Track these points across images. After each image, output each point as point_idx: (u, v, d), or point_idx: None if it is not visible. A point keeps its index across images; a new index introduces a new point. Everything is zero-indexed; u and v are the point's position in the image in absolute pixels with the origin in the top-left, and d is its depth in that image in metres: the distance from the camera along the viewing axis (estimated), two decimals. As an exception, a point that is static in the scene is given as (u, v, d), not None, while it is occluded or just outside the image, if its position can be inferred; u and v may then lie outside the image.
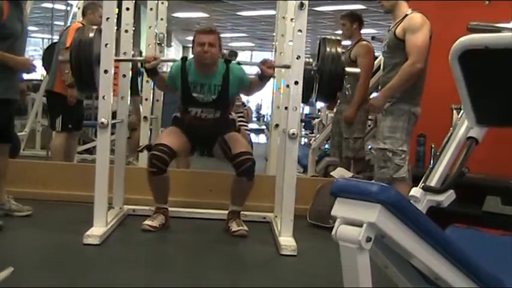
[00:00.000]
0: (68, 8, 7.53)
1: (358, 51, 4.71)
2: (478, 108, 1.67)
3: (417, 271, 1.56)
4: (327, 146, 6.32)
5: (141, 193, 3.89)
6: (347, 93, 4.71)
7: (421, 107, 3.58)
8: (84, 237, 3.12)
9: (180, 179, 4.16)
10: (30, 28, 3.62)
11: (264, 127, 14.38)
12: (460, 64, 1.54)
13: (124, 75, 3.85)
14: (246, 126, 6.76)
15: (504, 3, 3.40)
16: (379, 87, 3.92)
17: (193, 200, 4.19)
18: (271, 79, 4.87)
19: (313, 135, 8.39)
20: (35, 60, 5.33)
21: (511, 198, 3.66)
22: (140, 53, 6.46)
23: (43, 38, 10.68)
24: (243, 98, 6.81)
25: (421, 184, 1.94)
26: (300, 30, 3.29)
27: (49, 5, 8.22)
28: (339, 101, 4.97)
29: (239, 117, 6.49)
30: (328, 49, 3.49)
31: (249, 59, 18.26)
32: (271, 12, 10.59)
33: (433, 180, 1.94)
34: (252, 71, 3.95)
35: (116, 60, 3.50)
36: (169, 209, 3.71)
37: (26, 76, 3.99)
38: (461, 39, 1.52)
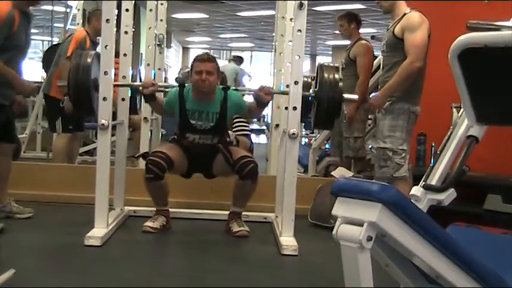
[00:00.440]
0: (68, 10, 7.53)
1: (357, 50, 4.71)
2: (477, 106, 1.67)
3: (418, 270, 1.56)
4: (327, 146, 6.32)
5: (142, 194, 3.88)
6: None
7: (421, 105, 3.58)
8: (85, 238, 3.12)
9: (180, 180, 4.15)
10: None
11: (264, 127, 14.38)
12: (459, 62, 1.54)
13: (124, 77, 3.86)
14: (247, 126, 6.75)
15: (503, 2, 3.40)
16: (379, 87, 3.92)
17: (194, 201, 4.19)
18: (271, 79, 4.88)
19: (313, 135, 8.38)
20: (35, 62, 5.33)
21: (512, 197, 3.66)
22: (139, 76, 6.47)
23: (43, 40, 10.67)
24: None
25: (421, 183, 1.95)
26: (299, 30, 3.29)
27: (49, 7, 8.22)
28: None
29: (240, 117, 6.49)
30: (326, 75, 3.48)
31: (249, 59, 18.29)
32: (271, 12, 10.59)
33: (434, 179, 1.94)
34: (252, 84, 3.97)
35: (115, 86, 3.52)
36: (170, 209, 3.71)
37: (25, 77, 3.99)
38: (461, 37, 1.52)
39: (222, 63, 16.73)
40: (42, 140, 6.93)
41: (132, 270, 2.87)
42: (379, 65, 4.58)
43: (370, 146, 5.57)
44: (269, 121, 4.41)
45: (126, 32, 3.81)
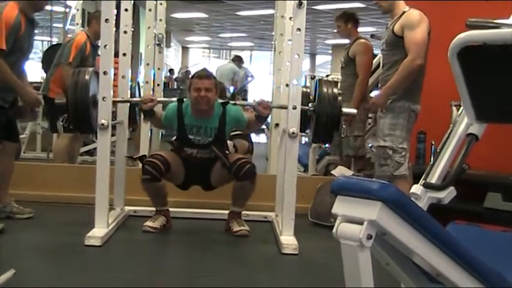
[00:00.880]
0: (67, 10, 7.52)
1: (357, 49, 4.71)
2: (477, 104, 1.67)
3: (418, 268, 1.56)
4: (327, 145, 6.32)
5: (142, 194, 3.88)
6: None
7: (421, 104, 3.58)
8: (85, 238, 3.12)
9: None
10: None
11: (264, 127, 14.38)
12: (459, 60, 1.54)
13: (123, 77, 3.86)
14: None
15: (503, 1, 3.40)
16: (379, 85, 3.92)
17: (194, 200, 4.19)
18: (271, 78, 4.88)
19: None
20: (34, 62, 5.33)
21: (512, 195, 3.66)
22: (138, 89, 6.46)
23: (42, 41, 10.66)
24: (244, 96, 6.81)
25: (421, 181, 1.94)
26: (298, 29, 3.29)
27: (48, 7, 8.21)
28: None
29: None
30: (325, 90, 3.49)
31: (249, 59, 18.29)
32: (270, 11, 10.59)
33: (434, 177, 1.94)
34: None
35: (114, 102, 3.52)
36: (170, 209, 3.71)
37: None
38: (460, 35, 1.51)
39: (221, 62, 16.75)
40: (42, 140, 6.93)
41: (132, 270, 2.87)
42: (379, 64, 4.58)
43: (370, 145, 5.57)
44: (269, 120, 4.41)
45: (125, 32, 3.81)
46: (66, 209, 4.09)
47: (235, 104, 3.83)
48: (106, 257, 3.05)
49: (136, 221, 3.72)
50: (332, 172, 4.34)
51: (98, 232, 3.20)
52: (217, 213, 3.93)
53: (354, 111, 3.88)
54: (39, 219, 3.71)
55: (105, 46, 3.31)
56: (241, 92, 10.68)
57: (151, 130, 4.96)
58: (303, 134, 4.35)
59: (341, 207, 1.44)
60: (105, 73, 3.31)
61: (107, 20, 3.32)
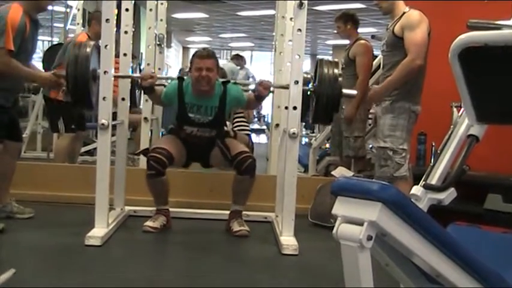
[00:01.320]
0: (68, 10, 7.52)
1: (357, 50, 4.71)
2: (478, 105, 1.67)
3: (418, 269, 1.56)
4: (328, 145, 6.32)
5: (142, 194, 3.89)
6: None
7: (422, 105, 3.58)
8: (85, 238, 3.12)
9: (181, 180, 4.16)
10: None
11: (264, 127, 14.37)
12: (460, 61, 1.54)
13: (124, 76, 3.86)
14: (247, 126, 6.75)
15: (503, 2, 3.40)
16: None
17: (195, 201, 4.19)
18: (272, 77, 4.87)
19: (313, 134, 8.38)
20: (35, 62, 5.33)
21: (512, 196, 3.66)
22: (139, 67, 6.46)
23: (43, 40, 10.66)
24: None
25: (422, 182, 1.94)
26: (299, 30, 3.29)
27: (49, 7, 8.21)
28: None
29: (240, 117, 6.49)
30: (325, 71, 3.48)
31: (249, 59, 18.27)
32: (271, 12, 10.58)
33: (434, 179, 1.94)
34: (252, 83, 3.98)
35: (115, 77, 3.52)
36: (171, 209, 3.71)
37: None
38: (461, 36, 1.51)
39: (222, 62, 16.71)
40: (43, 140, 6.93)
41: (132, 270, 2.87)
42: (379, 65, 4.57)
43: (370, 146, 5.58)
44: (269, 121, 4.41)
45: (126, 32, 3.81)
46: (66, 208, 4.09)
47: (235, 84, 3.82)
48: (106, 257, 3.05)
49: (137, 221, 3.72)
50: (332, 173, 4.34)
51: (98, 232, 3.20)
52: (218, 213, 3.93)
53: (354, 92, 3.89)
54: (40, 219, 3.71)
55: (105, 46, 3.31)
56: None
57: (151, 130, 4.96)
58: (303, 134, 4.35)
59: (341, 208, 1.44)
60: (105, 73, 3.30)
61: (107, 20, 3.32)
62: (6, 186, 3.67)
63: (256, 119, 17.31)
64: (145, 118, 4.84)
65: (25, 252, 3.07)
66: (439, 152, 1.99)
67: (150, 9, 4.93)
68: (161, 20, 5.09)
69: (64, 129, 4.77)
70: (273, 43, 4.87)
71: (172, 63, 18.59)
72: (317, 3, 11.32)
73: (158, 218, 3.61)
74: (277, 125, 4.38)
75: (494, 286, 1.54)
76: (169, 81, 4.08)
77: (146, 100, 4.84)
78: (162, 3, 5.04)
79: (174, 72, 15.86)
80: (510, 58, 1.52)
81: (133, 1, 3.93)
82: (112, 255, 3.12)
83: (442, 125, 2.55)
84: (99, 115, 3.32)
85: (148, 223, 3.56)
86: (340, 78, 3.51)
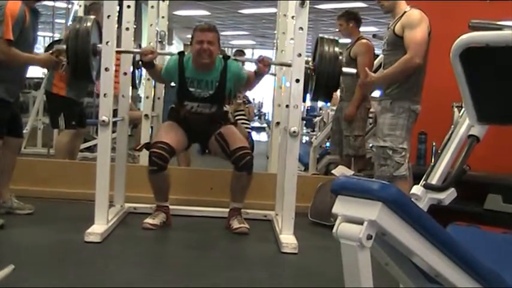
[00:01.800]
0: (69, 6, 7.52)
1: (358, 49, 4.71)
2: (479, 106, 1.67)
3: (418, 269, 1.56)
4: (328, 144, 6.32)
5: (142, 191, 3.89)
6: (343, 93, 4.76)
7: (423, 104, 3.57)
8: (85, 235, 3.12)
9: (181, 177, 4.16)
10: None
11: (265, 125, 14.37)
12: (461, 62, 1.54)
13: (125, 73, 3.86)
14: (248, 124, 6.76)
15: (505, 1, 3.39)
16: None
17: (194, 198, 4.19)
18: (272, 77, 4.88)
19: (314, 133, 8.38)
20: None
21: (512, 196, 3.66)
22: (139, 46, 6.45)
23: (44, 36, 10.66)
24: (247, 94, 6.81)
25: (422, 182, 1.94)
26: (301, 28, 3.28)
27: (50, 3, 8.20)
28: (339, 98, 4.97)
29: (241, 115, 6.49)
30: (325, 48, 3.48)
31: (251, 57, 18.25)
32: (273, 10, 10.58)
33: (434, 178, 1.94)
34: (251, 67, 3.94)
35: (117, 52, 3.50)
36: (170, 207, 3.71)
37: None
38: (463, 36, 1.51)
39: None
40: (43, 136, 6.94)
41: (131, 267, 2.87)
42: (380, 64, 4.57)
43: (370, 145, 5.58)
44: (270, 119, 4.42)
45: (127, 29, 3.80)
46: (66, 205, 4.10)
47: (236, 60, 3.82)
48: (105, 254, 3.05)
49: (136, 218, 3.72)
50: (332, 172, 4.34)
51: (98, 229, 3.20)
52: (218, 211, 3.93)
53: (354, 70, 3.89)
54: (39, 215, 3.71)
55: (107, 43, 3.31)
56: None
57: (151, 127, 4.96)
58: (303, 133, 4.35)
59: (341, 207, 1.44)
60: (106, 70, 3.30)
61: (109, 17, 3.32)
62: (6, 181, 3.67)
63: (256, 117, 17.30)
64: (146, 115, 4.84)
65: (24, 248, 3.07)
66: (439, 152, 1.99)
67: (152, 7, 4.92)
68: (163, 17, 5.08)
69: (64, 125, 4.77)
70: (275, 41, 4.87)
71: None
72: (319, 2, 11.31)
73: (158, 215, 3.61)
74: (278, 123, 4.37)
75: (493, 286, 1.54)
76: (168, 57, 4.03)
77: (148, 79, 4.82)
78: (163, 1, 5.04)
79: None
80: (511, 59, 1.52)
81: (134, -2, 3.93)
82: (111, 252, 3.11)
83: (442, 124, 2.55)
84: (100, 112, 3.32)
85: (148, 220, 3.56)
86: (340, 56, 3.52)
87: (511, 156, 3.93)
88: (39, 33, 3.74)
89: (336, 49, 3.49)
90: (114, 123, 3.62)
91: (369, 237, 1.36)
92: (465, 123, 1.94)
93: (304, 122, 9.12)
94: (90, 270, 2.76)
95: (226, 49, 22.57)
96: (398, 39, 3.49)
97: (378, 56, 4.88)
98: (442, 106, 3.82)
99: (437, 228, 1.47)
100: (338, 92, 5.37)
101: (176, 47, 20.17)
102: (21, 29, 3.36)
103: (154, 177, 3.55)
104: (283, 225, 3.34)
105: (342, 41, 3.80)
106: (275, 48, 4.81)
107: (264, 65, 3.56)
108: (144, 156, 4.63)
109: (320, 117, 8.64)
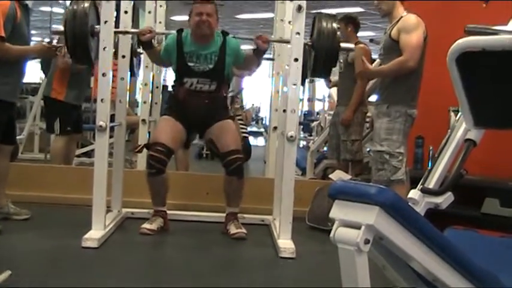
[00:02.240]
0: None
1: (355, 54, 4.71)
2: (476, 110, 1.67)
3: (415, 273, 1.56)
4: (325, 149, 6.33)
5: (140, 196, 3.89)
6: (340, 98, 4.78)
7: (419, 108, 3.58)
8: (82, 240, 3.11)
9: (178, 182, 4.15)
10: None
11: (262, 130, 14.38)
12: (457, 66, 1.54)
13: (122, 78, 3.86)
14: (245, 129, 6.77)
15: (502, 4, 3.40)
16: (378, 89, 3.93)
17: (192, 203, 4.19)
18: (270, 80, 4.87)
19: (311, 137, 8.39)
20: (33, 63, 5.31)
21: (509, 200, 3.66)
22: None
23: (42, 41, 10.68)
24: (243, 100, 6.81)
25: (419, 186, 1.94)
26: (298, 33, 3.29)
27: (47, 9, 8.22)
28: (336, 102, 4.98)
29: (238, 120, 6.48)
30: (323, 25, 3.48)
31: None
32: (270, 15, 10.59)
33: (432, 182, 1.94)
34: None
35: (115, 33, 3.49)
36: (168, 211, 3.71)
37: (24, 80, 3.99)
38: (459, 41, 1.52)
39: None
40: (40, 141, 6.93)
41: (129, 272, 2.86)
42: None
43: (368, 149, 5.58)
44: (267, 123, 4.43)
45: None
46: (63, 210, 4.09)
47: (234, 38, 3.83)
48: (103, 259, 3.04)
49: (134, 223, 3.71)
50: (330, 176, 4.33)
51: (95, 234, 3.19)
52: (215, 215, 3.92)
53: (352, 45, 3.91)
54: (36, 220, 3.70)
55: (104, 48, 3.31)
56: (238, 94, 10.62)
57: (149, 132, 4.96)
58: (301, 138, 4.35)
59: (339, 211, 1.44)
60: (103, 75, 3.30)
61: (106, 22, 3.32)
62: (2, 187, 3.65)
63: (254, 122, 17.31)
64: (143, 120, 4.84)
65: (21, 253, 3.06)
66: (436, 156, 2.00)
67: (149, 12, 4.93)
68: (160, 22, 5.08)
69: (59, 130, 4.75)
70: (272, 46, 4.88)
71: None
72: (316, 7, 11.32)
73: (155, 220, 3.60)
74: (275, 127, 4.38)
75: (490, 289, 1.54)
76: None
77: (145, 84, 4.81)
78: (161, 5, 5.04)
79: (171, 76, 15.84)
80: (507, 63, 1.52)
81: (132, 2, 3.93)
82: (108, 257, 3.11)
83: (439, 129, 2.55)
84: (97, 117, 3.32)
85: (146, 225, 3.55)
86: (338, 32, 3.53)
87: (508, 160, 3.93)
88: (36, 38, 3.75)
89: (334, 25, 3.50)
90: (112, 129, 3.62)
91: (367, 242, 1.36)
92: (462, 128, 1.94)
93: (302, 126, 9.15)
94: (88, 275, 2.75)
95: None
96: (394, 44, 3.50)
97: (374, 60, 4.89)
98: (438, 110, 3.84)
99: (434, 232, 1.47)
100: (335, 97, 5.39)
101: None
102: (13, 26, 3.36)
103: (153, 180, 3.54)
104: (280, 229, 3.34)
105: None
106: (272, 52, 4.82)
107: (262, 42, 3.55)
108: (141, 162, 4.63)
109: (317, 122, 8.66)
